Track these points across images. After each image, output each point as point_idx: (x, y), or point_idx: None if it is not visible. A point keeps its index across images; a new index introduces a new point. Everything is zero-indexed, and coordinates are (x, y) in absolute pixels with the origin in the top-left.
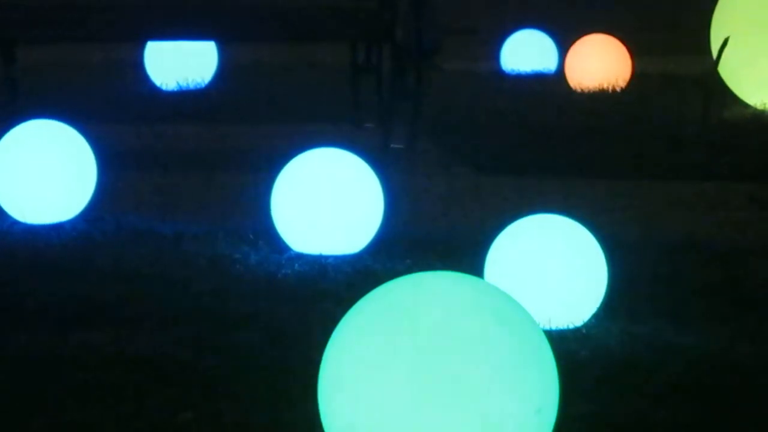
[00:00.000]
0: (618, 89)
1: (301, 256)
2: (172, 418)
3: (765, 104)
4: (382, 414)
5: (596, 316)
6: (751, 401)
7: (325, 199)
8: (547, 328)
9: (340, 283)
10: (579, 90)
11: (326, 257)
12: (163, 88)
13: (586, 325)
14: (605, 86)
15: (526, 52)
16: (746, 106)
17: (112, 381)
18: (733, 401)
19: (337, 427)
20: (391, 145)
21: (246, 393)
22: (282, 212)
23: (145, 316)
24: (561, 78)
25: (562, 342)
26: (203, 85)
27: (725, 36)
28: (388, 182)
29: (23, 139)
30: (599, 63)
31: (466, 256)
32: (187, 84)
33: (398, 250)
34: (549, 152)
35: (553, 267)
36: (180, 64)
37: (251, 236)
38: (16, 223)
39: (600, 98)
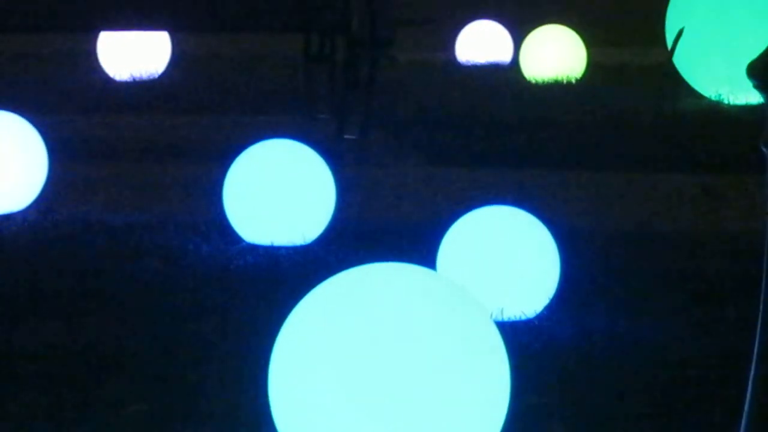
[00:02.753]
0: (572, 80)
1: (253, 247)
2: (124, 409)
3: (719, 95)
4: (332, 404)
5: (549, 308)
6: (707, 393)
7: (278, 190)
8: (500, 319)
9: (291, 274)
10: (534, 81)
11: (278, 248)
12: (116, 78)
13: (538, 317)
14: (560, 77)
15: (480, 43)
16: (701, 97)
17: (63, 371)
18: (689, 393)
19: (288, 417)
20: (344, 136)
21: (198, 384)
22: (234, 203)
23: (96, 307)
24: (516, 69)
25: (514, 333)
26: (156, 76)
27: (680, 27)
28: (341, 173)
29: None
30: (554, 54)
31: (419, 247)
32: (140, 74)
33: (350, 241)
34: (502, 143)
35: (505, 258)
36: (133, 54)
37: (203, 227)
38: None
39: (554, 89)
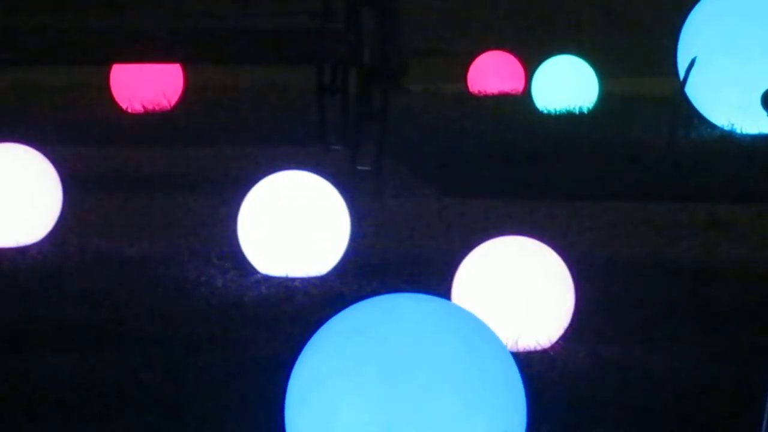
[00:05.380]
0: (585, 110)
1: (267, 279)
2: None
3: (732, 125)
4: None
5: (563, 338)
6: (720, 423)
7: (292, 222)
8: (515, 349)
9: (306, 306)
10: (546, 111)
11: (293, 279)
12: (129, 110)
13: (553, 347)
14: (572, 107)
15: (492, 73)
16: (713, 127)
17: (77, 405)
18: (702, 423)
19: None
20: (358, 167)
21: (212, 416)
22: (248, 235)
23: (110, 340)
24: (528, 99)
25: (529, 364)
26: (169, 108)
27: (692, 57)
28: (355, 204)
29: None
30: (566, 84)
31: (433, 277)
32: (153, 107)
33: (365, 272)
34: (516, 174)
35: (520, 288)
36: (145, 86)
37: (217, 259)
38: None
39: (567, 119)
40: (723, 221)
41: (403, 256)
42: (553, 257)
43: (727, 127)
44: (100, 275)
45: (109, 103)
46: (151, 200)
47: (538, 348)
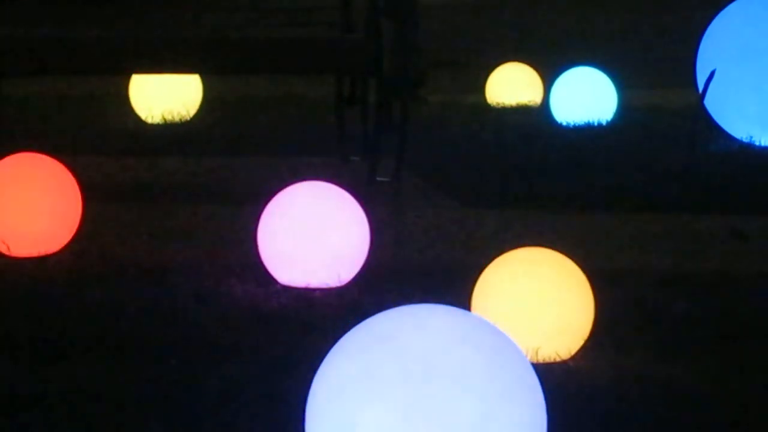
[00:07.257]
0: (603, 122)
1: (287, 289)
2: None
3: (751, 137)
4: None
5: (583, 349)
6: None
7: (311, 232)
8: (535, 361)
9: (326, 316)
10: (564, 123)
11: (312, 290)
12: (148, 121)
13: (573, 358)
14: (590, 119)
15: (511, 85)
16: (732, 139)
17: (97, 415)
18: None
19: None
20: (377, 178)
21: (233, 426)
22: (268, 245)
23: (130, 350)
24: (546, 111)
25: (549, 375)
26: (188, 118)
27: (711, 68)
28: (374, 215)
29: (8, 172)
30: (584, 96)
31: (453, 288)
32: (172, 117)
33: (385, 283)
34: (534, 185)
35: (540, 299)
36: (165, 97)
37: (237, 269)
38: (0, 256)
39: (585, 131)
40: (742, 233)
41: (422, 266)
42: (573, 268)
43: (746, 140)
44: (120, 285)
45: (129, 113)
46: (171, 210)
47: (558, 359)
